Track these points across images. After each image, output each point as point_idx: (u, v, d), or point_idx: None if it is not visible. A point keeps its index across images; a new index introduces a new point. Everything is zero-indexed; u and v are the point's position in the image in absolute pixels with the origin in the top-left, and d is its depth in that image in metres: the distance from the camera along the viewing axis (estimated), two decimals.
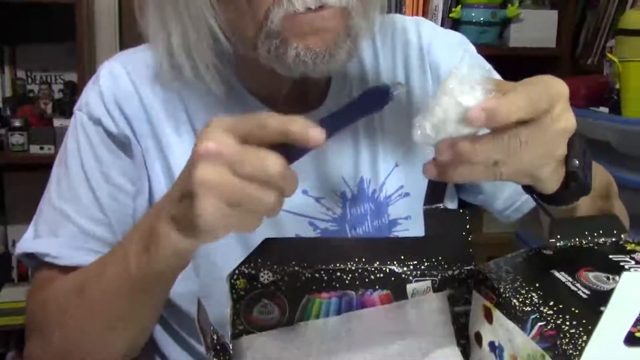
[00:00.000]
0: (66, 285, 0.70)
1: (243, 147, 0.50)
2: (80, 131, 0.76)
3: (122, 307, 0.64)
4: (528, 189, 0.63)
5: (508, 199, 0.83)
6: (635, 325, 0.45)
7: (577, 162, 0.60)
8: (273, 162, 0.50)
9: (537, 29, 2.16)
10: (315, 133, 0.50)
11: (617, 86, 1.55)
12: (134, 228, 0.63)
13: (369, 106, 0.53)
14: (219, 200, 0.50)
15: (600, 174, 0.75)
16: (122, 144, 0.75)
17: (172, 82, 0.74)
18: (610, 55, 1.63)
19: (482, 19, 2.11)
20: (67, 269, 0.72)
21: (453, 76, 0.51)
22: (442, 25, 2.06)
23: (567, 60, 2.20)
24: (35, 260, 0.75)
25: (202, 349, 0.53)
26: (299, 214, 0.76)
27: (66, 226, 0.74)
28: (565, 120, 0.54)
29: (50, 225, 0.75)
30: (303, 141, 0.50)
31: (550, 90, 0.53)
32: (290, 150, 0.51)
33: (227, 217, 0.51)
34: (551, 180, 0.59)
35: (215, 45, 0.71)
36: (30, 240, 0.75)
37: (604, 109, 1.63)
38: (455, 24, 2.11)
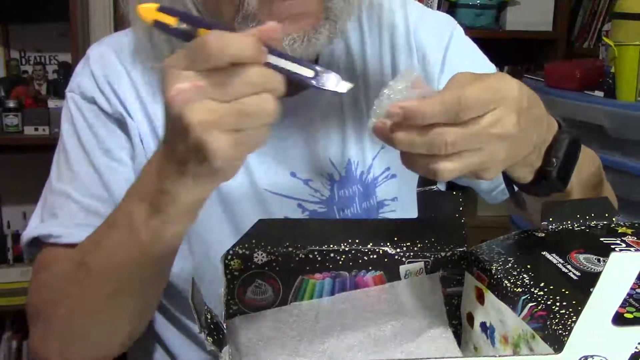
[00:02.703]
0: (67, 261, 0.68)
1: (213, 73, 0.47)
2: (75, 111, 0.76)
3: (128, 277, 0.62)
4: (505, 176, 0.64)
5: (494, 180, 0.83)
6: (623, 305, 0.45)
7: (555, 161, 0.60)
8: (249, 70, 0.47)
9: (533, 12, 2.15)
10: (272, 31, 0.49)
11: (613, 70, 1.55)
12: (129, 197, 0.60)
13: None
14: (226, 134, 0.47)
15: (592, 162, 0.75)
16: (118, 121, 0.75)
17: (154, 61, 0.73)
18: (606, 39, 1.63)
19: (478, 1, 2.10)
20: (69, 248, 0.70)
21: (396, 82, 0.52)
22: (439, 7, 2.05)
23: (563, 44, 2.20)
24: (38, 247, 0.74)
25: (196, 328, 0.53)
26: (287, 196, 0.76)
27: (67, 205, 0.73)
28: (502, 125, 0.51)
29: (51, 208, 0.74)
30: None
31: (488, 96, 0.50)
32: None
33: (239, 144, 0.48)
34: (517, 175, 0.60)
35: None
36: (33, 228, 0.74)
37: (599, 93, 1.63)
38: (451, 7, 2.10)
